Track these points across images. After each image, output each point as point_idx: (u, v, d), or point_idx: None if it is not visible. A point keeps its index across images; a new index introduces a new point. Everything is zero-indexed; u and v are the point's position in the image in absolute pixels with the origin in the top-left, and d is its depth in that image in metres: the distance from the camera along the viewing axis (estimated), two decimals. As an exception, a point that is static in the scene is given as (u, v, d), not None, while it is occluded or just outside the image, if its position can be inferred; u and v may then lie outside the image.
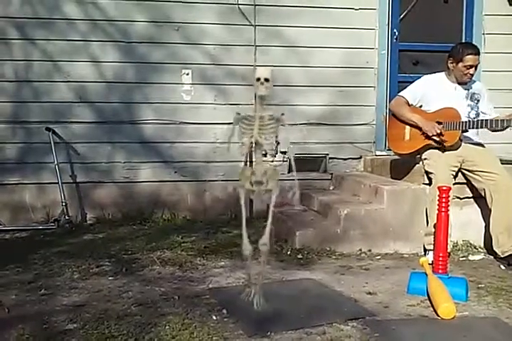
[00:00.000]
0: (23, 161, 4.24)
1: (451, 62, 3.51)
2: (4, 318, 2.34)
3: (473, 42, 4.46)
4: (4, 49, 4.17)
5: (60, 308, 2.45)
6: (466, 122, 3.40)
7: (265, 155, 2.53)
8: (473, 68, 3.47)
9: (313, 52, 4.46)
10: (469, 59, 3.43)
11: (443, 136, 3.39)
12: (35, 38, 4.18)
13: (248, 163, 2.18)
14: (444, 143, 3.39)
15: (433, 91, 3.56)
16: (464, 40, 4.57)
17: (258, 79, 2.08)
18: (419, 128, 3.48)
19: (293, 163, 2.19)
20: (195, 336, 2.12)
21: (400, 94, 3.67)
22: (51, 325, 2.26)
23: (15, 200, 4.26)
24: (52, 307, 2.46)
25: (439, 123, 3.43)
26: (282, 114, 2.11)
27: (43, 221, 4.22)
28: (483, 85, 3.71)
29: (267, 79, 2.09)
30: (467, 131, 3.44)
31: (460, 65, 3.46)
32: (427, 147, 3.46)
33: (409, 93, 3.62)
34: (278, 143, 4.46)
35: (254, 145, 2.13)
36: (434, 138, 3.41)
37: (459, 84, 3.55)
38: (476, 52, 3.46)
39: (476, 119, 3.46)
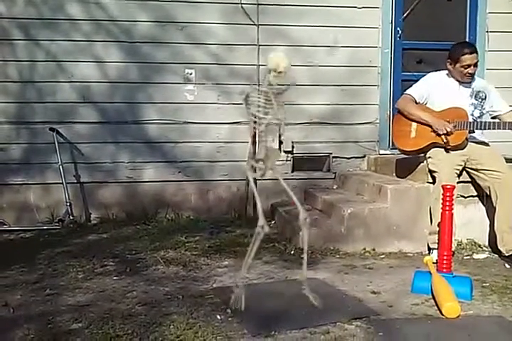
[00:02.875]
0: (27, 161, 4.25)
1: (450, 64, 3.50)
2: (9, 318, 2.36)
3: (477, 41, 4.48)
4: (8, 49, 4.18)
5: (64, 308, 2.46)
6: (473, 123, 3.38)
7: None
8: (472, 67, 3.43)
9: (317, 51, 4.46)
10: (466, 58, 3.41)
11: (452, 134, 3.38)
12: (39, 39, 4.19)
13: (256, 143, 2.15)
14: (450, 143, 3.37)
15: (437, 90, 3.54)
16: (467, 39, 4.57)
17: (274, 71, 2.01)
18: (427, 126, 3.46)
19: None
20: (199, 335, 2.13)
21: (407, 92, 3.64)
22: (56, 324, 2.27)
23: (19, 200, 4.27)
24: (57, 307, 2.47)
25: (447, 122, 3.41)
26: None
27: (47, 221, 4.23)
28: (488, 82, 3.69)
29: (280, 72, 2.04)
30: (474, 131, 3.43)
31: (458, 65, 3.44)
32: (433, 145, 3.45)
33: (415, 91, 3.59)
34: (281, 143, 4.47)
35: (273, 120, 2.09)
36: (443, 137, 3.39)
37: (464, 82, 3.54)
38: (472, 50, 3.43)
39: (484, 120, 3.44)
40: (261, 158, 2.05)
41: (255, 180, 2.05)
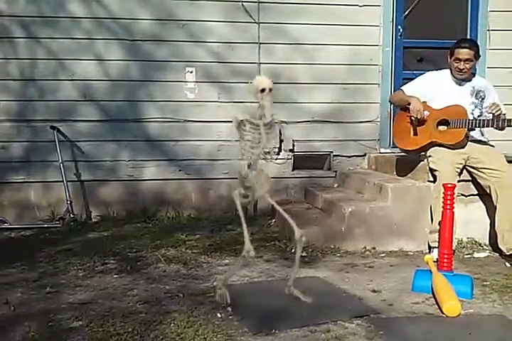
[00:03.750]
0: (28, 160, 4.25)
1: (450, 57, 3.50)
2: (10, 316, 2.36)
3: (479, 39, 4.46)
4: (9, 47, 4.18)
5: (65, 306, 2.46)
6: (473, 120, 3.36)
7: (268, 153, 2.55)
8: (462, 62, 3.41)
9: (317, 49, 4.45)
10: (457, 52, 3.41)
11: (423, 123, 3.41)
12: (40, 37, 4.19)
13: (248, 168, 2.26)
14: (450, 141, 3.37)
15: (435, 88, 3.54)
16: (468, 37, 4.55)
17: (263, 90, 2.10)
18: (426, 125, 3.46)
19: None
20: (199, 334, 2.13)
21: (401, 88, 3.69)
22: (56, 322, 2.27)
23: (20, 198, 4.27)
24: (58, 305, 2.47)
25: (446, 120, 3.41)
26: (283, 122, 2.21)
27: (48, 219, 4.24)
28: (489, 82, 3.67)
29: (271, 89, 2.13)
30: (474, 129, 3.42)
31: (452, 58, 3.45)
32: (433, 144, 3.44)
33: (409, 88, 3.62)
34: (282, 141, 4.50)
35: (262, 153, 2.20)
36: (413, 119, 3.45)
37: (463, 80, 3.53)
38: (466, 46, 3.41)
39: (483, 118, 3.43)
40: (250, 186, 2.14)
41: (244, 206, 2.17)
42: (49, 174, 4.26)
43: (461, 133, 3.36)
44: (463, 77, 3.49)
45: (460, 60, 3.41)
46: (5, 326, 2.24)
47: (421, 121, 3.44)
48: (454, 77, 3.52)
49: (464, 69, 3.43)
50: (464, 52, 3.40)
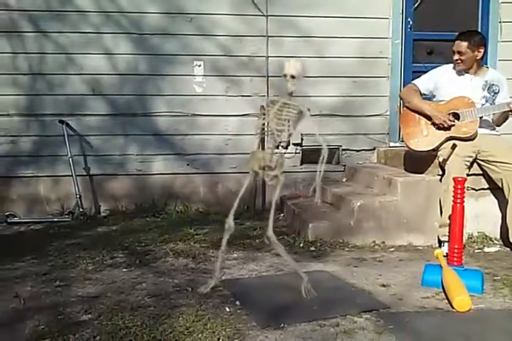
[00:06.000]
0: (37, 154, 4.27)
1: None
2: (20, 309, 2.37)
3: (490, 31, 4.42)
4: (18, 42, 4.19)
5: (74, 299, 2.47)
6: (482, 108, 3.33)
7: (278, 146, 2.58)
8: (456, 54, 3.41)
9: (326, 42, 4.42)
10: (455, 44, 3.43)
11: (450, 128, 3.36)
12: (48, 31, 4.19)
13: (261, 148, 2.31)
14: (466, 134, 3.34)
15: (446, 82, 3.50)
16: (480, 29, 4.49)
17: (285, 76, 2.20)
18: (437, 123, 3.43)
19: (325, 155, 2.33)
20: (208, 327, 2.12)
21: (413, 81, 3.65)
22: (66, 316, 2.28)
23: (30, 193, 4.29)
24: (67, 299, 2.48)
25: (456, 114, 3.38)
26: (308, 109, 2.24)
27: (57, 213, 4.26)
28: (503, 76, 3.59)
29: (293, 76, 2.20)
30: (482, 116, 3.39)
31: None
32: (449, 139, 3.39)
33: (421, 81, 3.59)
34: (290, 135, 4.48)
35: (266, 129, 2.27)
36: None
37: (475, 74, 3.49)
38: (458, 38, 3.42)
39: (491, 104, 3.39)
40: (269, 165, 2.20)
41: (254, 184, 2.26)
42: (58, 168, 4.28)
43: (475, 123, 3.33)
44: (459, 69, 3.47)
45: (454, 51, 3.43)
46: (15, 319, 2.25)
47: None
48: (473, 72, 3.48)
49: (457, 60, 3.43)
50: (457, 44, 3.42)
